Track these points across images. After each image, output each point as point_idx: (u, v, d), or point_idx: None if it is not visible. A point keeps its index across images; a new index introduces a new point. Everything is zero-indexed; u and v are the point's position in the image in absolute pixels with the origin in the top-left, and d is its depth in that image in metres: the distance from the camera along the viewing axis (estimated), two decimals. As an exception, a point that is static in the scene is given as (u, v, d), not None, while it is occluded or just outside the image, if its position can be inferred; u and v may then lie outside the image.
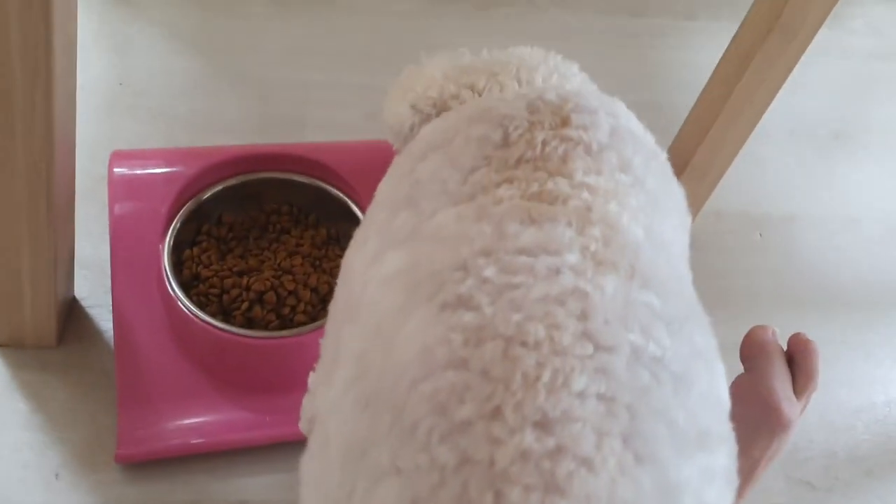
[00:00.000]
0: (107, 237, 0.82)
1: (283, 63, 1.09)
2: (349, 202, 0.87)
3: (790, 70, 0.85)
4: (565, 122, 0.48)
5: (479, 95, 0.56)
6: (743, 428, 0.49)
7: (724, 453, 0.39)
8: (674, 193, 0.52)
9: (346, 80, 1.08)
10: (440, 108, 0.57)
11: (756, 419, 0.54)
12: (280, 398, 0.78)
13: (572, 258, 0.41)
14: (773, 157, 1.12)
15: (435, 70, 0.59)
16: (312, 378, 0.63)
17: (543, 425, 0.34)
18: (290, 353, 0.77)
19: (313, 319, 0.80)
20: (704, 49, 1.02)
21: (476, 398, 0.35)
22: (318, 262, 0.85)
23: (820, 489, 0.87)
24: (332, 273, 0.84)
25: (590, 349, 0.37)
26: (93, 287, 0.86)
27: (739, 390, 0.54)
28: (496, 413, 0.35)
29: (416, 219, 0.47)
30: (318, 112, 1.05)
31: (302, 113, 1.04)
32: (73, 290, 0.85)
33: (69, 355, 0.82)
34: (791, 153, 1.13)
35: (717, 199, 1.02)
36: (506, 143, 0.48)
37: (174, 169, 0.85)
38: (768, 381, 0.55)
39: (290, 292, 0.81)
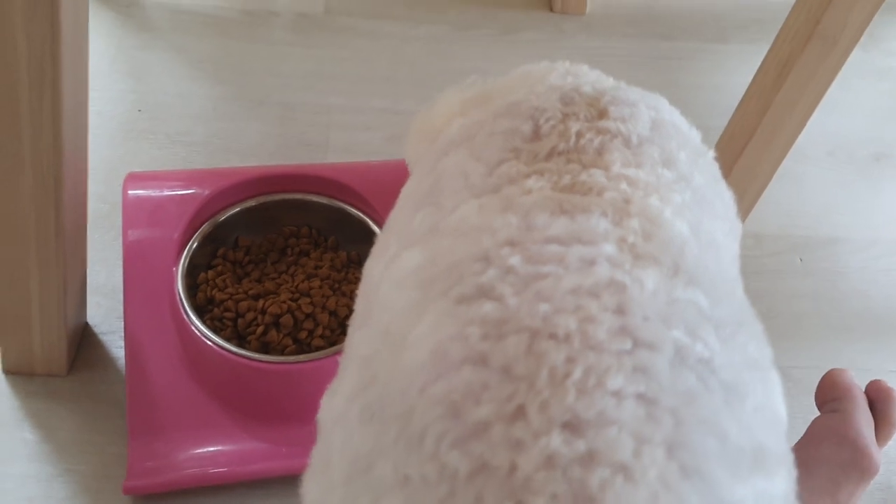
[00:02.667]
0: (121, 263, 0.80)
1: (305, 87, 1.07)
2: (371, 223, 0.84)
3: (831, 80, 0.81)
4: (602, 114, 0.45)
5: None
6: (832, 470, 0.46)
7: (783, 477, 0.34)
8: (723, 196, 0.47)
9: (368, 105, 1.06)
10: None
11: (845, 462, 0.50)
12: (296, 428, 0.73)
13: (608, 249, 0.36)
14: (813, 180, 1.08)
15: (450, 101, 0.56)
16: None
17: (573, 427, 0.30)
18: (307, 379, 0.73)
19: (332, 344, 0.76)
20: (738, 72, 0.99)
21: (495, 398, 0.31)
22: (337, 286, 0.81)
23: (876, 525, 0.81)
24: (352, 296, 0.80)
25: (628, 344, 0.32)
26: (106, 314, 0.84)
27: (823, 431, 0.51)
28: (518, 414, 0.30)
29: (436, 216, 0.43)
30: (340, 135, 1.02)
31: (324, 136, 1.02)
32: (84, 317, 0.82)
33: (80, 384, 0.79)
34: (831, 175, 1.09)
35: (755, 221, 0.98)
36: (536, 135, 0.44)
37: (190, 191, 0.82)
38: (857, 425, 0.51)
39: (307, 315, 0.77)
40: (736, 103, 0.87)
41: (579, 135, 0.43)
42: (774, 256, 0.99)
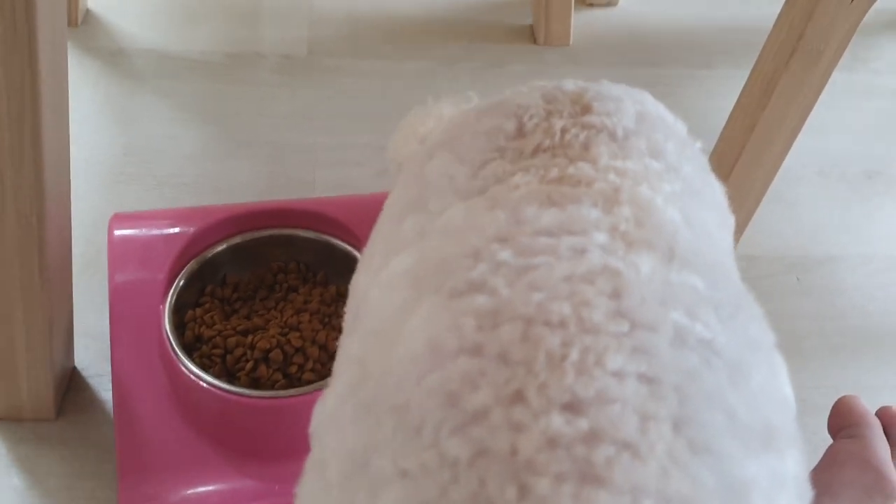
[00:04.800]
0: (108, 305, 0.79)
1: (292, 127, 1.07)
2: (358, 256, 0.83)
3: (818, 94, 0.81)
4: (586, 109, 0.44)
5: None
6: (856, 494, 0.46)
7: (794, 458, 0.33)
8: (713, 186, 0.47)
9: (356, 141, 1.06)
10: None
11: (869, 486, 0.49)
12: (289, 464, 0.70)
13: (600, 237, 0.36)
14: (805, 200, 1.08)
15: (443, 109, 0.56)
16: None
17: (574, 407, 0.29)
18: (298, 413, 0.72)
19: (322, 378, 0.75)
20: (724, 97, 0.99)
21: (492, 384, 0.30)
22: (327, 320, 0.80)
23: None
24: (342, 330, 0.79)
25: (625, 326, 0.32)
26: (94, 357, 0.82)
27: (844, 456, 0.50)
28: (517, 397, 0.30)
29: (424, 221, 0.43)
30: (327, 172, 1.02)
31: (312, 174, 1.02)
32: (72, 361, 0.81)
33: (68, 428, 0.78)
34: (823, 195, 1.09)
35: (748, 243, 0.97)
36: (520, 133, 0.44)
37: (176, 229, 0.81)
38: (878, 451, 0.50)
39: (297, 349, 0.76)
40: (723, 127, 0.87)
41: (564, 130, 0.43)
42: (771, 278, 0.98)
